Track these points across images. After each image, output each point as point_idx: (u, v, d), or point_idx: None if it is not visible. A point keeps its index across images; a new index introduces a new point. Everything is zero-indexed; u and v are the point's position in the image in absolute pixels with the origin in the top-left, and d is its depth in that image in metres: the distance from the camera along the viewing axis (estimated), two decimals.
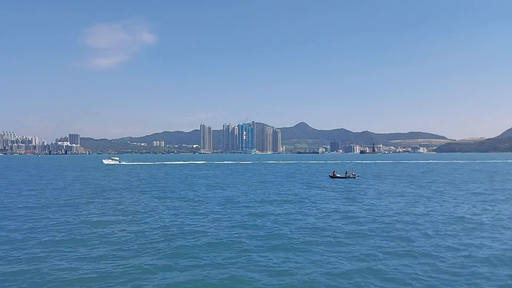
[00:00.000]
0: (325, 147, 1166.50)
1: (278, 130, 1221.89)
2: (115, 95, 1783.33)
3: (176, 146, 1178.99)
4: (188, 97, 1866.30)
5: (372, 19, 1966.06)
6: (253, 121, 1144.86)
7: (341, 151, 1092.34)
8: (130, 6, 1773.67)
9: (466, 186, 66.05)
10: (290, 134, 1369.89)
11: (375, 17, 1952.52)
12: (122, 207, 42.02)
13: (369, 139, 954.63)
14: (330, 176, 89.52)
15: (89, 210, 40.25)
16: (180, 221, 33.40)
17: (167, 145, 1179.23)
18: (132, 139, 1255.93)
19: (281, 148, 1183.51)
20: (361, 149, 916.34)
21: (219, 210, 39.62)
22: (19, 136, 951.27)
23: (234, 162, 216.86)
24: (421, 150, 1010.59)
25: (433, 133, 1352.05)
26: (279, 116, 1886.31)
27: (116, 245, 25.29)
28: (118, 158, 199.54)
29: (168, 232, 29.00)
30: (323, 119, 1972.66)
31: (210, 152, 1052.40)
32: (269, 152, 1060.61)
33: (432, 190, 58.54)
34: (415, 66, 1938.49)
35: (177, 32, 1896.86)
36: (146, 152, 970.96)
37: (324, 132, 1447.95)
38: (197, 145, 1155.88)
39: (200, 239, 26.67)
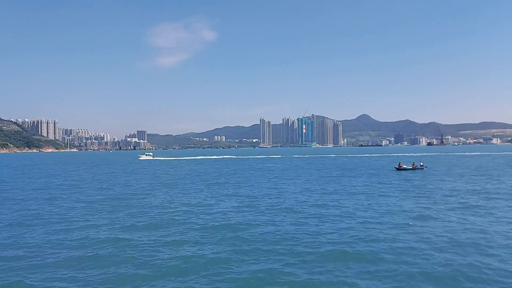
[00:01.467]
0: (388, 140, 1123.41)
1: (339, 122, 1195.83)
2: (178, 92, 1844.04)
3: (236, 140, 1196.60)
4: (248, 92, 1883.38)
5: (437, 5, 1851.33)
6: (313, 114, 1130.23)
7: (406, 143, 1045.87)
8: (191, 5, 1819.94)
9: None
10: (351, 127, 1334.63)
11: (440, 3, 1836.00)
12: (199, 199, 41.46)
13: (437, 130, 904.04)
14: (396, 168, 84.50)
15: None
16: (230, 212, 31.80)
17: (228, 140, 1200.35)
18: (194, 135, 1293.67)
19: (342, 141, 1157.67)
20: (428, 141, 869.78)
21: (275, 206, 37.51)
22: (93, 133, 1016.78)
23: (281, 156, 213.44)
24: (494, 141, 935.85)
25: (508, 122, 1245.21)
26: (339, 108, 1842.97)
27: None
28: (152, 154, 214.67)
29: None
30: (387, 110, 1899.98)
31: (270, 146, 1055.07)
32: (329, 146, 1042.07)
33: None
34: (485, 51, 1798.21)
35: (236, 28, 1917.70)
36: (208, 147, 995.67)
37: (388, 124, 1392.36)
38: (257, 140, 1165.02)
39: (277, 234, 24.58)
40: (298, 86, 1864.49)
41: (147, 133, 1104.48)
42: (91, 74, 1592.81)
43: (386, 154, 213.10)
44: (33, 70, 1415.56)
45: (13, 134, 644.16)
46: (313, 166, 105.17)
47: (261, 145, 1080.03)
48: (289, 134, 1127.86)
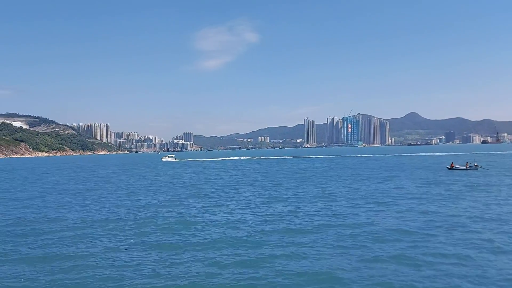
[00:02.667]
0: (439, 138, 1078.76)
1: (386, 121, 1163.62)
2: (223, 94, 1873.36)
3: (280, 141, 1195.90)
4: (291, 92, 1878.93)
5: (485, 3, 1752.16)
6: (358, 113, 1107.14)
7: (457, 141, 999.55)
8: (234, 8, 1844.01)
9: None
10: (399, 125, 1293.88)
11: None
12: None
13: (491, 128, 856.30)
14: (447, 167, 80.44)
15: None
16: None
17: (272, 140, 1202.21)
18: (239, 136, 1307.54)
19: (390, 140, 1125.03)
20: (482, 139, 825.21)
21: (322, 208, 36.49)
22: (142, 136, 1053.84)
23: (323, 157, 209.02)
24: None
25: None
26: (386, 106, 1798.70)
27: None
28: (174, 155, 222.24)
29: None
30: (436, 108, 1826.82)
31: (314, 146, 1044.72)
32: (376, 145, 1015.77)
33: None
34: None
35: (278, 29, 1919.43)
36: (252, 148, 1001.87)
37: (438, 122, 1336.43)
38: (301, 140, 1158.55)
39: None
40: (342, 85, 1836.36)
41: (193, 134, 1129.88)
42: (140, 79, 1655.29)
43: (438, 153, 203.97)
44: (86, 75, 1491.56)
45: (69, 138, 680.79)
46: (367, 166, 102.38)
47: (305, 145, 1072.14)
48: (333, 133, 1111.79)
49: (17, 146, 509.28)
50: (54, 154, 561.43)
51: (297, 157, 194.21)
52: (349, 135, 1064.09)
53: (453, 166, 78.55)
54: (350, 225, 27.14)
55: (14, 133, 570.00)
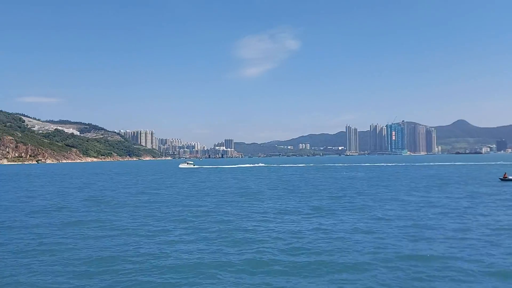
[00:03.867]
0: (489, 147, 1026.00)
1: (432, 129, 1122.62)
2: (263, 101, 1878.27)
3: (321, 148, 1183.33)
4: (333, 99, 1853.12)
5: None
6: (403, 120, 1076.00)
7: (510, 150, 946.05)
8: (276, 16, 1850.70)
9: None
10: (446, 133, 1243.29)
11: None
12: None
13: None
14: (500, 178, 76.88)
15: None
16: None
17: (313, 148, 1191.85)
18: (279, 143, 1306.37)
19: (436, 149, 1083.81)
20: None
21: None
22: (185, 142, 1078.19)
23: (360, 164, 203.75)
24: None
25: None
26: (433, 113, 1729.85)
27: None
28: (192, 162, 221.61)
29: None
30: (487, 115, 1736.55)
31: (356, 153, 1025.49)
32: (422, 153, 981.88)
33: None
34: None
35: (320, 36, 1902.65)
36: (292, 155, 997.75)
37: (488, 130, 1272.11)
38: (342, 147, 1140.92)
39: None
40: (386, 92, 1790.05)
41: (234, 141, 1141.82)
42: (183, 87, 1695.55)
43: (489, 162, 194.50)
44: (133, 85, 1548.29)
45: (117, 144, 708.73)
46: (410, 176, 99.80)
47: (347, 152, 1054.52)
48: (377, 141, 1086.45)
49: (68, 152, 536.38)
50: (103, 160, 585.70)
51: (319, 165, 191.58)
52: (393, 142, 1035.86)
53: (506, 177, 75.09)
54: None
55: (66, 139, 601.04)
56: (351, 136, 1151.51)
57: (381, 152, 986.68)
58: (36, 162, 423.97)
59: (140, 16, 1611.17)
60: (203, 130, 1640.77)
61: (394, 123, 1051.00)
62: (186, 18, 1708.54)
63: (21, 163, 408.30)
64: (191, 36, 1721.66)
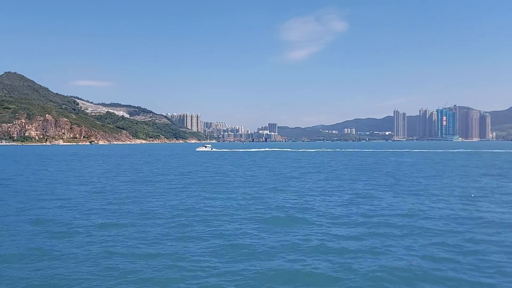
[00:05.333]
0: None
1: (487, 114, 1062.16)
2: (308, 84, 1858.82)
3: (367, 133, 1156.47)
4: (380, 82, 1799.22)
5: None
6: (454, 105, 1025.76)
7: None
8: None
9: None
10: (502, 119, 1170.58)
11: None
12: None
13: None
14: None
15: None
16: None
17: (358, 133, 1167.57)
18: (323, 127, 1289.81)
19: (491, 135, 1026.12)
20: None
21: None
22: (229, 126, 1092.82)
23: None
24: None
25: None
26: (487, 98, 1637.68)
27: None
28: (210, 145, 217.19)
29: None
30: None
31: (404, 139, 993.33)
32: (474, 139, 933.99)
33: None
34: None
35: (368, 17, 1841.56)
36: (337, 140, 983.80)
37: None
38: (389, 132, 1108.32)
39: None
40: (436, 74, 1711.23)
41: (277, 125, 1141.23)
42: (228, 71, 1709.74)
43: None
44: (180, 69, 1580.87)
45: (164, 127, 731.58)
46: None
47: (395, 138, 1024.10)
48: (426, 126, 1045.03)
49: (119, 134, 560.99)
50: (151, 142, 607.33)
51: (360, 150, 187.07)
52: (443, 128, 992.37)
53: None
54: None
55: (117, 121, 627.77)
56: (399, 121, 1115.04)
57: (430, 138, 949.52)
58: (89, 143, 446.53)
59: (187, 4, 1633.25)
60: (247, 114, 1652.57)
61: (445, 108, 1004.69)
62: (232, 3, 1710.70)
63: (75, 143, 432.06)
64: (236, 21, 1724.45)
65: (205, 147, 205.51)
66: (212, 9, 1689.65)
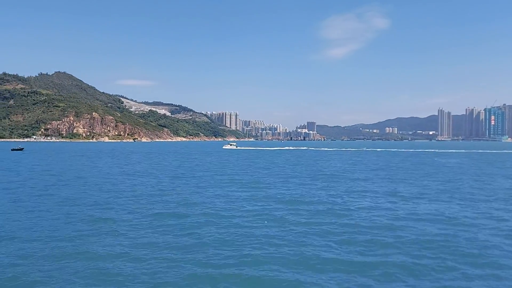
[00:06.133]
0: None
1: None
2: (348, 83, 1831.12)
3: (410, 132, 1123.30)
4: (424, 80, 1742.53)
5: None
6: (504, 104, 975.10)
7: None
8: None
9: None
10: None
11: None
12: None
13: None
14: None
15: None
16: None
17: (400, 132, 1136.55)
18: (364, 126, 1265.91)
19: None
20: None
21: None
22: (267, 124, 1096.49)
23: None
24: None
25: None
26: None
27: None
28: (235, 144, 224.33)
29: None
30: None
31: (449, 139, 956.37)
32: None
33: None
34: None
35: (411, 13, 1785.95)
36: (378, 139, 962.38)
37: None
38: (433, 132, 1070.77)
39: None
40: (483, 72, 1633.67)
41: (316, 124, 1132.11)
42: (266, 70, 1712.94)
43: None
44: (219, 69, 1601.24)
45: (203, 125, 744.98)
46: None
47: (439, 137, 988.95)
48: (473, 126, 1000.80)
49: (160, 131, 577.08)
50: (191, 139, 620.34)
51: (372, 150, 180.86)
52: (491, 128, 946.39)
53: None
54: None
55: (159, 119, 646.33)
56: (444, 120, 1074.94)
57: (477, 138, 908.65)
58: (133, 140, 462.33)
59: (227, 4, 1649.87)
60: (286, 113, 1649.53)
61: (494, 107, 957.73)
62: (272, 2, 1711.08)
63: (119, 140, 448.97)
64: (276, 20, 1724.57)
65: (230, 145, 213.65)
66: (251, 8, 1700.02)
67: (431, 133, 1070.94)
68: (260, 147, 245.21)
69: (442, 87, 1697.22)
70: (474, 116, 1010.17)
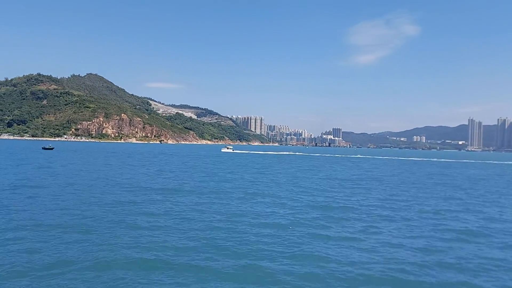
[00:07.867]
0: None
1: None
2: (376, 90, 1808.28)
3: (438, 142, 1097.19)
4: (454, 89, 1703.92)
5: None
6: None
7: None
8: (393, 1, 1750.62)
9: None
10: None
11: None
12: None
13: None
14: None
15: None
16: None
17: (428, 141, 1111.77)
18: (391, 134, 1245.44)
19: None
20: None
21: None
22: (292, 129, 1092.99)
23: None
24: None
25: None
26: None
27: None
28: (232, 147, 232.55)
29: None
30: None
31: (480, 149, 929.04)
32: None
33: None
34: None
35: (441, 21, 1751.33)
36: (405, 147, 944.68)
37: None
38: (463, 142, 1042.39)
39: None
40: None
41: (342, 130, 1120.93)
42: (293, 76, 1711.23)
43: None
44: (245, 74, 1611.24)
45: (228, 129, 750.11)
46: None
47: (469, 148, 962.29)
48: (505, 136, 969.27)
49: (186, 134, 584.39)
50: (215, 143, 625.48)
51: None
52: None
53: None
54: None
55: (185, 122, 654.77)
56: (474, 130, 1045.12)
57: (509, 149, 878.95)
58: (159, 142, 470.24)
59: (256, 11, 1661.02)
60: (311, 118, 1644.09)
61: None
62: (301, 9, 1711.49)
63: (146, 142, 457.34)
64: (304, 26, 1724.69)
65: (227, 148, 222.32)
66: (280, 15, 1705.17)
67: (460, 143, 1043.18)
68: (254, 151, 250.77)
69: (472, 97, 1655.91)
70: (506, 126, 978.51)
